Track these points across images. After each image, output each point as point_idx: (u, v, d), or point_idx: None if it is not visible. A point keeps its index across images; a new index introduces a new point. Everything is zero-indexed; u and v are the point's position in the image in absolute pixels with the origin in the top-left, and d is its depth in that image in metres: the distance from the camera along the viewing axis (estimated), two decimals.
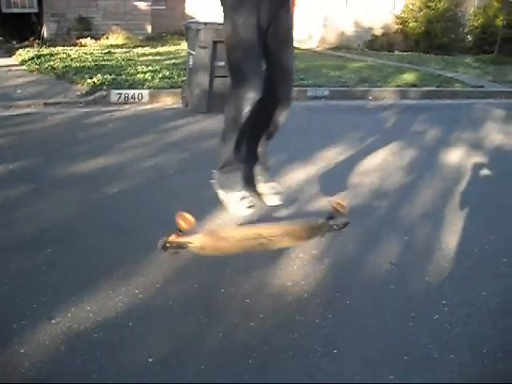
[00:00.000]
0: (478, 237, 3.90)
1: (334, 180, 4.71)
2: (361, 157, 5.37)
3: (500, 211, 4.46)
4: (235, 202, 2.81)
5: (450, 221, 4.13)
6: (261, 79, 2.67)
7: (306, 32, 14.73)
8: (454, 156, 5.88)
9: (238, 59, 2.67)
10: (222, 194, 2.87)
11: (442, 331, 2.77)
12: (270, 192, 2.99)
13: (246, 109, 2.67)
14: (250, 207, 2.81)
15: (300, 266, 3.21)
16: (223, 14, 2.69)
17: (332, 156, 5.39)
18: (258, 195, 3.01)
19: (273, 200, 3.02)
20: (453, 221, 4.13)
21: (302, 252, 3.36)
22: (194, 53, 6.62)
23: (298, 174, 4.75)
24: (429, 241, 3.75)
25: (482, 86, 10.53)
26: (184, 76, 7.64)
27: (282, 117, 2.93)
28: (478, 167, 5.61)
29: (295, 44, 10.32)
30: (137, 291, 2.85)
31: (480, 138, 6.95)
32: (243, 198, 2.81)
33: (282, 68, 2.83)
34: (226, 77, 6.54)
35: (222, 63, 6.56)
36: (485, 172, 5.51)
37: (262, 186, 3.00)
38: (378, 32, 16.50)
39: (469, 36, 17.50)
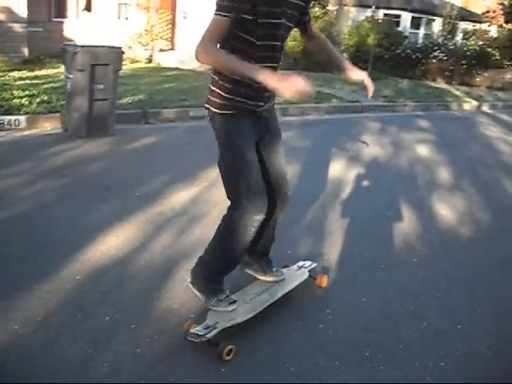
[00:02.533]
0: (358, 245, 4.09)
1: (215, 200, 4.75)
2: None
3: (377, 220, 4.71)
4: (216, 305, 2.81)
5: (331, 231, 4.30)
6: (266, 201, 2.71)
7: (188, 53, 14.80)
8: (334, 168, 6.13)
9: (243, 183, 2.67)
10: (201, 296, 2.84)
11: (326, 339, 2.88)
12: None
13: (252, 232, 2.72)
14: (232, 303, 2.83)
15: (185, 288, 3.17)
16: (221, 144, 2.72)
17: (215, 175, 5.41)
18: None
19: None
20: (334, 231, 4.31)
21: (186, 274, 3.35)
22: (71, 76, 6.46)
23: (181, 196, 4.77)
24: (311, 252, 3.88)
25: (357, 101, 11.05)
26: (63, 100, 7.42)
27: (279, 219, 3.07)
28: (357, 179, 5.89)
29: (177, 65, 10.35)
30: (16, 327, 2.73)
31: (357, 151, 7.29)
32: (224, 298, 2.82)
33: (278, 175, 2.94)
34: (105, 100, 6.54)
35: (101, 86, 6.48)
36: (363, 183, 5.79)
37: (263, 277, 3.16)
38: None
39: (344, 54, 18.33)
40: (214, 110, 2.69)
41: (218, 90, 2.66)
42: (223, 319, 2.77)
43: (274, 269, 3.19)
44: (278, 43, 2.64)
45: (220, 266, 2.86)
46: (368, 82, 2.98)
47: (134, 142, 6.59)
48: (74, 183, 4.92)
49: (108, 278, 3.28)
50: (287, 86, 2.26)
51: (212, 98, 2.70)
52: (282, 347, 2.78)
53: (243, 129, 2.69)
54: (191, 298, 3.09)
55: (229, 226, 2.76)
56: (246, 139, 2.69)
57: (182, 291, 3.17)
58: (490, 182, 6.50)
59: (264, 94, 2.70)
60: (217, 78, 2.67)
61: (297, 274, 3.34)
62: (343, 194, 5.34)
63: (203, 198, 4.76)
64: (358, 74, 3.01)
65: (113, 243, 3.72)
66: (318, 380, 2.55)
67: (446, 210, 5.17)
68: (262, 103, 2.73)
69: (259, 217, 2.69)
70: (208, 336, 2.64)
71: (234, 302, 2.85)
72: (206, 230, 4.05)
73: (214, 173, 5.47)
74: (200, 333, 2.66)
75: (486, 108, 13.99)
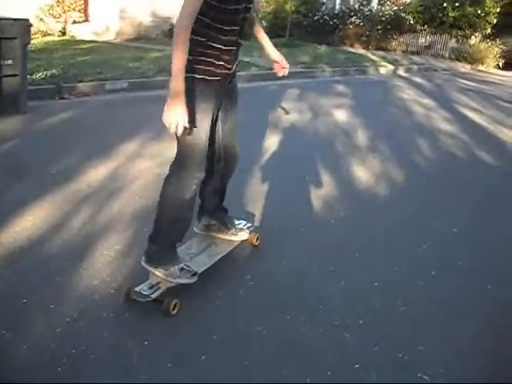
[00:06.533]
0: (277, 210, 4.16)
1: (133, 174, 4.71)
2: (164, 146, 5.40)
3: (295, 184, 4.82)
4: (178, 276, 2.85)
5: (250, 197, 4.36)
6: (205, 161, 2.85)
7: (103, 24, 14.39)
8: (255, 136, 6.14)
9: (191, 145, 2.73)
10: (159, 272, 2.85)
11: (247, 305, 2.93)
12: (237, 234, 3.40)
13: (193, 189, 2.83)
14: (194, 275, 2.89)
15: (105, 264, 3.17)
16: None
17: (134, 149, 5.36)
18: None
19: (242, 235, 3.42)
20: (252, 197, 4.36)
21: (105, 249, 3.33)
22: None
23: (98, 172, 4.66)
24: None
25: None
26: None
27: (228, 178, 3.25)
28: (276, 145, 5.96)
29: (92, 37, 10.07)
30: None
31: (277, 118, 7.36)
32: (183, 269, 2.88)
33: (230, 137, 3.06)
34: (15, 75, 6.27)
35: (9, 61, 6.20)
36: (282, 149, 5.85)
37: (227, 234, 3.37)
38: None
39: (263, 21, 18.30)
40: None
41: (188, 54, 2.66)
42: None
43: (239, 224, 3.45)
44: (237, 28, 2.74)
45: (170, 228, 2.89)
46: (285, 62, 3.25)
47: (48, 118, 6.38)
48: None
49: (24, 259, 3.18)
50: (171, 113, 2.50)
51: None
52: (204, 317, 2.80)
53: (209, 93, 2.73)
54: (111, 273, 3.07)
55: (172, 184, 2.83)
56: (209, 104, 2.74)
57: (101, 267, 3.13)
58: (404, 143, 6.72)
59: (232, 58, 2.79)
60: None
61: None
62: (262, 161, 5.39)
63: (121, 173, 4.68)
64: (278, 56, 3.26)
65: (29, 224, 3.61)
66: (240, 347, 2.59)
67: (363, 172, 5.31)
68: (230, 66, 2.81)
69: (199, 174, 2.81)
70: (153, 296, 2.75)
71: (196, 273, 2.91)
72: (124, 205, 4.01)
73: (131, 147, 5.42)
74: (145, 292, 2.76)
75: (401, 72, 14.37)
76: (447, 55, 18.82)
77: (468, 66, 17.70)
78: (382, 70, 13.96)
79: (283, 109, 7.85)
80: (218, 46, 2.68)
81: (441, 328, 2.89)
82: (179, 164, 2.81)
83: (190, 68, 2.65)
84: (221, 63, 2.73)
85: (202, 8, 2.56)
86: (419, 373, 2.50)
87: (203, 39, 2.65)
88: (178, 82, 2.49)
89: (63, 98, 7.43)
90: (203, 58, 2.67)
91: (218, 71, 2.74)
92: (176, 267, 2.86)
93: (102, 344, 2.51)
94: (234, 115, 3.06)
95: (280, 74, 3.28)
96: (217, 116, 2.92)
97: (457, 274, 3.49)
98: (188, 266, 2.93)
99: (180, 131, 2.54)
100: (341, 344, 2.66)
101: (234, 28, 2.71)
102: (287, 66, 3.25)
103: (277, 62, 3.24)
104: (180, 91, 2.50)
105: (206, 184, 3.11)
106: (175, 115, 2.50)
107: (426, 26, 19.20)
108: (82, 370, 2.35)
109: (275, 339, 2.65)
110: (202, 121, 2.72)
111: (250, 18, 3.15)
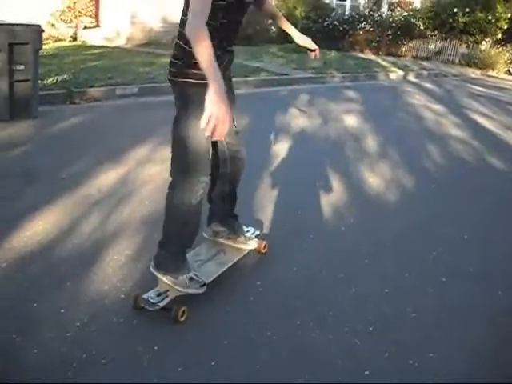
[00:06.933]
0: (287, 216, 4.17)
1: (143, 179, 4.73)
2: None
3: (306, 190, 4.81)
4: (187, 286, 2.84)
5: (260, 203, 4.36)
6: (209, 165, 2.83)
7: (114, 29, 14.45)
8: (264, 141, 6.15)
9: (194, 151, 2.71)
10: (167, 279, 2.84)
11: (258, 312, 2.93)
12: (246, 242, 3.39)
13: (200, 194, 2.80)
14: (202, 286, 2.88)
15: (115, 269, 3.18)
16: (184, 111, 2.70)
17: (144, 154, 5.37)
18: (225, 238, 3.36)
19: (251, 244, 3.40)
20: (262, 203, 4.36)
21: (116, 254, 3.34)
22: None
23: (108, 177, 4.67)
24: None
25: (286, 74, 11.11)
26: None
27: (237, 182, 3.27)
28: (286, 150, 5.95)
29: (103, 42, 10.04)
30: None
31: (287, 123, 7.35)
32: (192, 279, 2.87)
33: (232, 141, 3.08)
34: (27, 80, 6.32)
35: (21, 67, 6.24)
36: (292, 155, 5.84)
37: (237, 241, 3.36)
38: None
39: (273, 27, 18.29)
40: (183, 80, 2.68)
41: (187, 59, 2.61)
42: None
43: (248, 232, 3.47)
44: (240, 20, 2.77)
45: (178, 234, 2.88)
46: (314, 45, 3.26)
47: (58, 123, 6.41)
48: None
49: (35, 264, 3.20)
50: (218, 110, 2.09)
51: (182, 69, 2.68)
52: (214, 322, 2.80)
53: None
54: (122, 278, 3.08)
55: (177, 190, 2.80)
56: None
57: (111, 272, 3.14)
58: (414, 149, 6.70)
59: (225, 60, 2.79)
60: (187, 47, 2.58)
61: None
62: (272, 166, 5.39)
63: (131, 178, 4.69)
64: (305, 41, 3.25)
65: (39, 228, 3.63)
66: (250, 352, 2.59)
67: (372, 178, 5.30)
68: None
69: (205, 178, 2.80)
70: (161, 304, 2.75)
71: (204, 284, 2.89)
72: (134, 210, 4.03)
73: (142, 151, 5.43)
74: (153, 300, 2.76)
75: (411, 77, 14.33)
76: (457, 61, 18.76)
77: (478, 72, 17.63)
78: (392, 76, 13.94)
79: (300, 110, 7.85)
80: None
81: (451, 334, 2.88)
82: (182, 171, 2.77)
83: (185, 73, 2.65)
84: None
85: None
86: (429, 379, 2.49)
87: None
88: (213, 76, 2.18)
89: (74, 103, 7.46)
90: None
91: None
92: (185, 276, 2.85)
93: (112, 349, 2.52)
94: (232, 117, 3.03)
95: (312, 57, 3.31)
96: None
97: (467, 280, 3.48)
98: (197, 276, 2.91)
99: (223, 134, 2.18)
100: (351, 350, 2.66)
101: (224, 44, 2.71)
102: (315, 47, 3.26)
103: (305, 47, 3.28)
104: (218, 84, 2.17)
105: (213, 188, 3.11)
106: (219, 112, 2.11)
107: (436, 32, 19.15)
108: (92, 374, 2.35)
109: (285, 345, 2.66)
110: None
111: (271, 16, 3.28)
